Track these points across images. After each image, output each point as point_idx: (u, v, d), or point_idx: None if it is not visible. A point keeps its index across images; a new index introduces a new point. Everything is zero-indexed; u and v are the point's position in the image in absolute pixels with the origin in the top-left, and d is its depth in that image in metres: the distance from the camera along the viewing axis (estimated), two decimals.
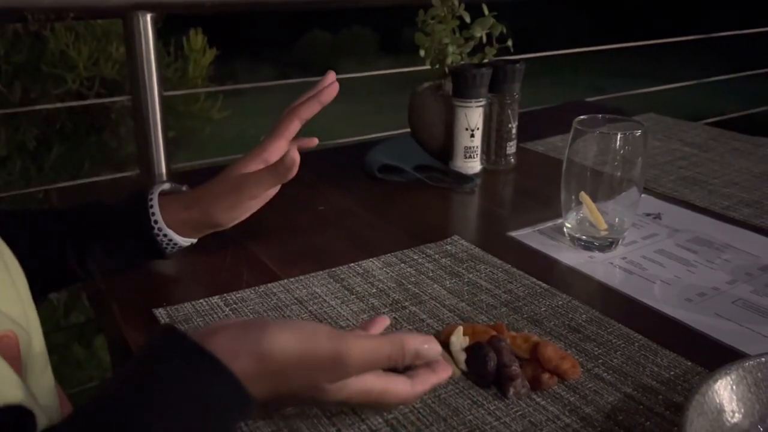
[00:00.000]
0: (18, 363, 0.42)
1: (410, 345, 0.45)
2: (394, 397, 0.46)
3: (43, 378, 0.47)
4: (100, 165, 2.22)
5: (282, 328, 0.44)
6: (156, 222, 0.67)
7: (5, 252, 0.48)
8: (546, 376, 0.53)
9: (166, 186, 0.71)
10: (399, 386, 0.46)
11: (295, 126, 0.70)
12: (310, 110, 0.70)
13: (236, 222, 0.71)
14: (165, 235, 0.67)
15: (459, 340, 0.56)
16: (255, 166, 0.69)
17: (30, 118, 1.90)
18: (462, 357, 0.54)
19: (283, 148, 0.71)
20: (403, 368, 0.47)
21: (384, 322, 0.56)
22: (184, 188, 0.72)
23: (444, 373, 0.48)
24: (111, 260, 0.69)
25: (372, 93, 4.76)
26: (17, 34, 1.84)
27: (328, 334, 0.44)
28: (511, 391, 0.52)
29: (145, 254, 0.70)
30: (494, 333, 0.56)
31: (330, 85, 0.70)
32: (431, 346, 0.46)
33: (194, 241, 0.71)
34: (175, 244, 0.69)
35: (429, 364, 0.48)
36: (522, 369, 0.53)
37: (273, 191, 0.71)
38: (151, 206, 0.67)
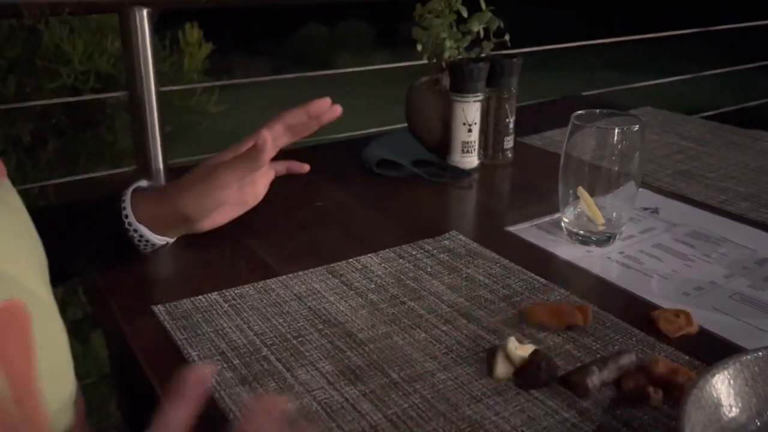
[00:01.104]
0: (27, 335, 0.41)
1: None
2: None
3: (63, 357, 0.46)
4: (95, 160, 2.21)
5: None
6: (126, 216, 0.65)
7: (32, 230, 0.47)
8: (651, 389, 0.51)
9: (144, 183, 0.70)
10: None
11: (277, 129, 0.70)
12: (295, 117, 0.71)
13: (209, 221, 0.70)
14: (136, 231, 0.66)
15: (514, 345, 0.55)
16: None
17: (25, 113, 1.89)
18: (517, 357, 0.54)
19: None
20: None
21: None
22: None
23: None
24: (89, 259, 0.68)
25: (368, 86, 4.76)
26: (11, 29, 1.83)
27: None
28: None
29: (120, 253, 0.68)
30: (579, 314, 0.59)
31: (322, 102, 0.71)
32: None
33: (170, 240, 0.69)
34: (148, 241, 0.67)
35: None
36: (623, 379, 0.52)
37: (251, 198, 0.72)
38: (123, 201, 0.66)
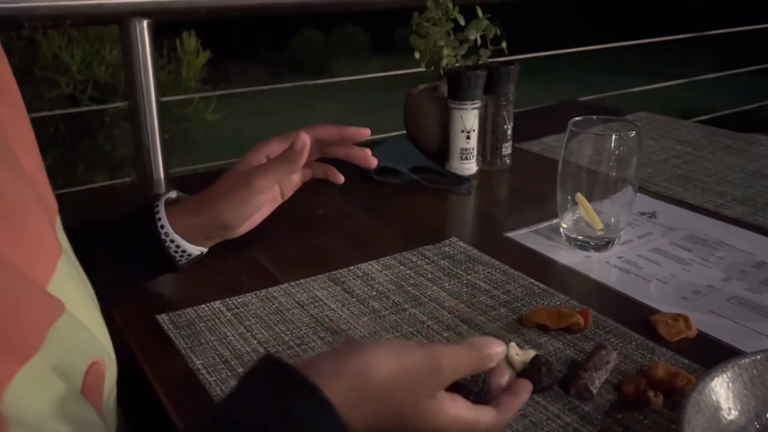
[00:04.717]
0: (100, 396, 0.41)
1: (488, 349, 0.46)
2: (483, 427, 0.46)
3: (112, 413, 0.44)
4: (94, 168, 2.21)
5: (377, 348, 0.43)
6: (162, 227, 0.64)
7: (84, 277, 0.45)
8: (652, 393, 0.51)
9: (173, 194, 0.69)
10: (487, 416, 0.46)
11: (305, 137, 0.66)
12: (327, 132, 0.69)
13: (246, 224, 0.68)
14: (172, 241, 0.65)
15: (515, 351, 0.56)
16: (258, 161, 0.68)
17: None
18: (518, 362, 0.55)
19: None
20: (479, 390, 0.47)
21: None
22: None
23: (525, 393, 0.48)
24: (121, 278, 0.66)
25: (366, 93, 4.77)
26: (10, 39, 1.84)
27: (417, 345, 0.44)
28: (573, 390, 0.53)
29: (156, 267, 0.67)
30: (580, 316, 0.61)
31: (362, 130, 0.70)
32: (502, 349, 0.47)
33: (204, 250, 0.68)
34: (184, 251, 0.66)
35: (510, 390, 0.48)
36: (624, 384, 0.53)
37: (285, 191, 0.70)
38: (158, 212, 0.65)
